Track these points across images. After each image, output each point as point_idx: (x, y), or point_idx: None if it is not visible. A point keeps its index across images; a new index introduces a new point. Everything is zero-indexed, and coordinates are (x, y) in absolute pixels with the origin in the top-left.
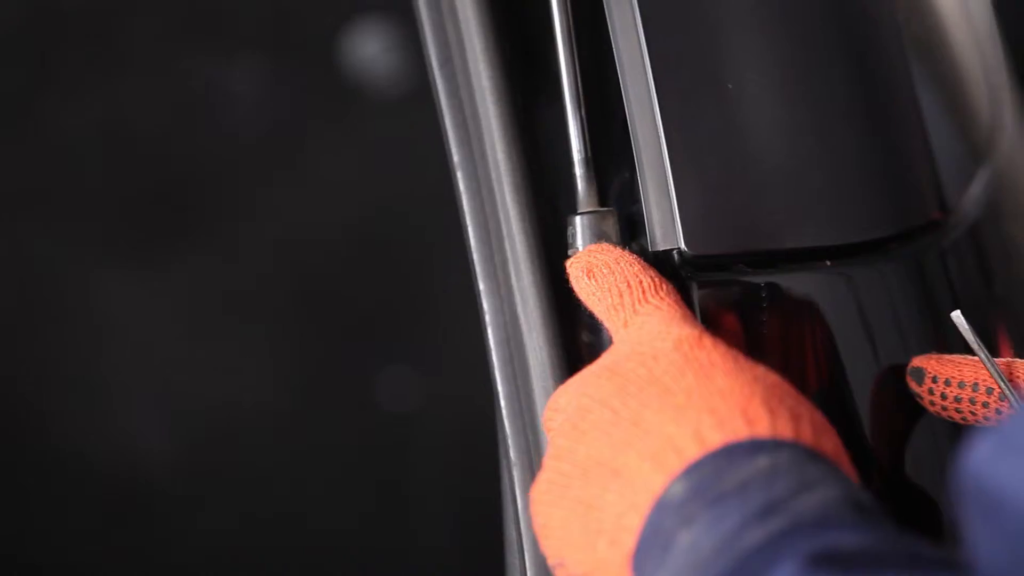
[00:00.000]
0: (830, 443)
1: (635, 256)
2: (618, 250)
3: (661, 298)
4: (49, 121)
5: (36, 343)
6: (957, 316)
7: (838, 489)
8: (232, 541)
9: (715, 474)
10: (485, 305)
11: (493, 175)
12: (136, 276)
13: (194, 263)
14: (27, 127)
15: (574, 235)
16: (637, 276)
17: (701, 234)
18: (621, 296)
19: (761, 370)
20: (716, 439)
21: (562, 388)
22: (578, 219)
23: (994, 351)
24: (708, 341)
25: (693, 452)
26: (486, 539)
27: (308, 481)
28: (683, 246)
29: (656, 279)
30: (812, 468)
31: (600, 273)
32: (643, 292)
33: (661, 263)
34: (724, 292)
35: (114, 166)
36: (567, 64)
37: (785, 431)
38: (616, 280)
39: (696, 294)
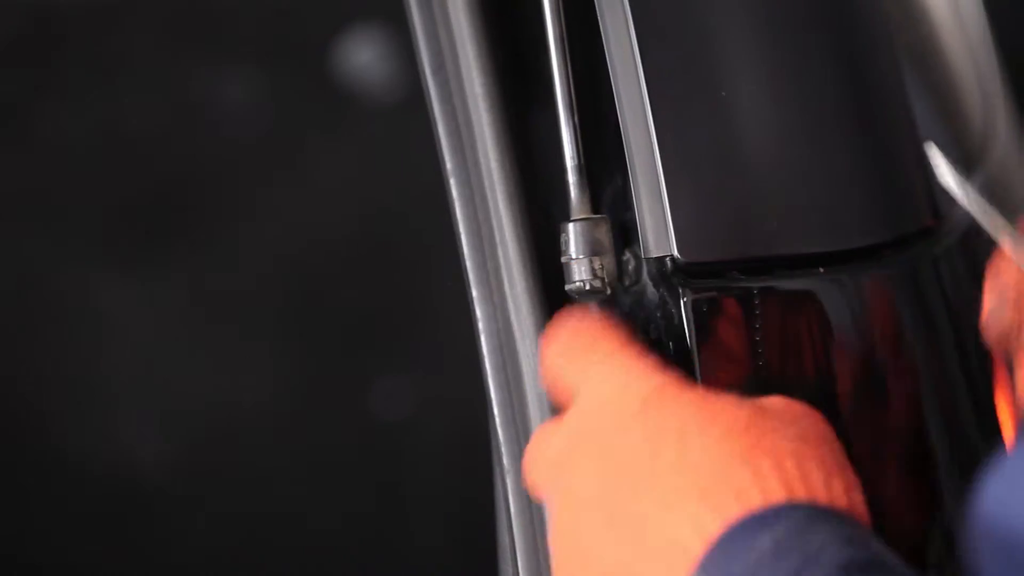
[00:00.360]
0: (820, 475)
1: (590, 311)
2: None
3: (613, 343)
4: (48, 123)
5: (35, 344)
6: (932, 152)
7: (842, 554)
8: (231, 541)
9: (725, 565)
10: (478, 312)
11: (486, 182)
12: (135, 277)
13: (193, 264)
14: (26, 129)
15: (567, 242)
16: (584, 324)
17: (694, 241)
18: (572, 348)
19: (731, 409)
20: (714, 526)
21: (543, 440)
22: (571, 226)
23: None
24: (671, 393)
25: (697, 549)
26: (485, 541)
27: (307, 482)
28: (676, 253)
29: (607, 323)
30: (813, 534)
31: (552, 338)
32: (594, 339)
33: (654, 269)
34: (717, 299)
35: (113, 168)
36: (560, 71)
37: (776, 493)
38: (566, 335)
39: (689, 301)
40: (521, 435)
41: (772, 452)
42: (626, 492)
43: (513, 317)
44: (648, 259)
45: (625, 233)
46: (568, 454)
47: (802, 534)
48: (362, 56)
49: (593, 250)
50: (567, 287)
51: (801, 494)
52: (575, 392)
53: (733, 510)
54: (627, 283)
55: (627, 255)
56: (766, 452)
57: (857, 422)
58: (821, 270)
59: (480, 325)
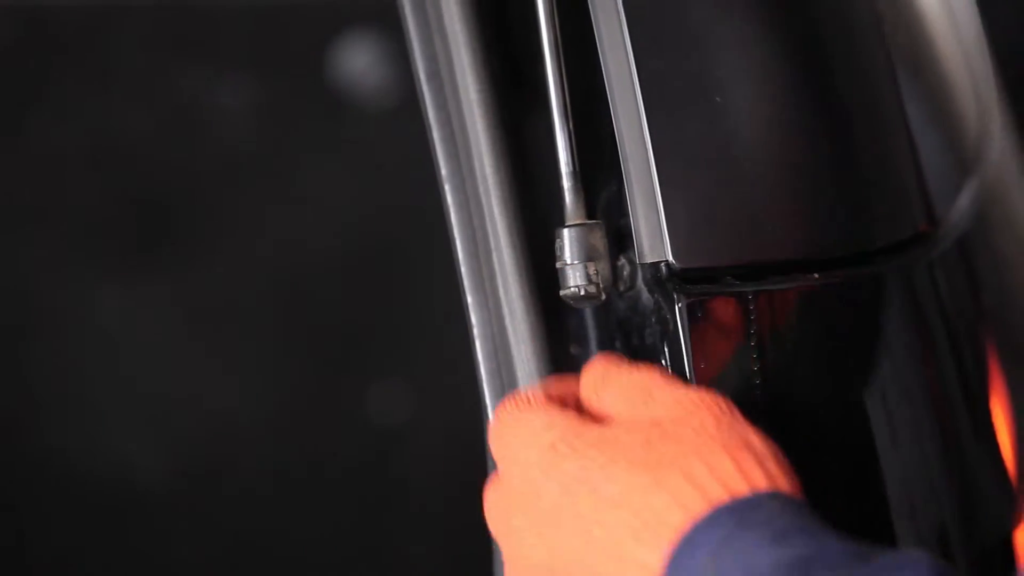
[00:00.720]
0: (731, 464)
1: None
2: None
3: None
4: (42, 131)
5: (30, 351)
6: None
7: (770, 556)
8: (229, 547)
9: None
10: (473, 318)
11: (481, 188)
12: (127, 289)
13: (188, 271)
14: (20, 136)
15: (561, 248)
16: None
17: (689, 246)
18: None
19: (625, 436)
20: (656, 564)
21: (488, 495)
22: (565, 232)
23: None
24: (569, 439)
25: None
26: (478, 546)
27: (301, 487)
28: (671, 259)
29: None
30: (741, 542)
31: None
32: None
33: (648, 276)
34: (711, 304)
35: (108, 175)
36: (554, 77)
37: (697, 505)
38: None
39: (684, 306)
40: None
41: (677, 463)
42: (564, 547)
43: (508, 322)
44: (643, 265)
45: (620, 239)
46: (505, 508)
47: (731, 545)
48: (357, 62)
49: (588, 256)
50: (561, 293)
51: (721, 496)
52: (498, 453)
53: (666, 539)
54: (622, 288)
55: (622, 260)
56: (673, 466)
57: (852, 426)
58: (816, 275)
59: (475, 331)
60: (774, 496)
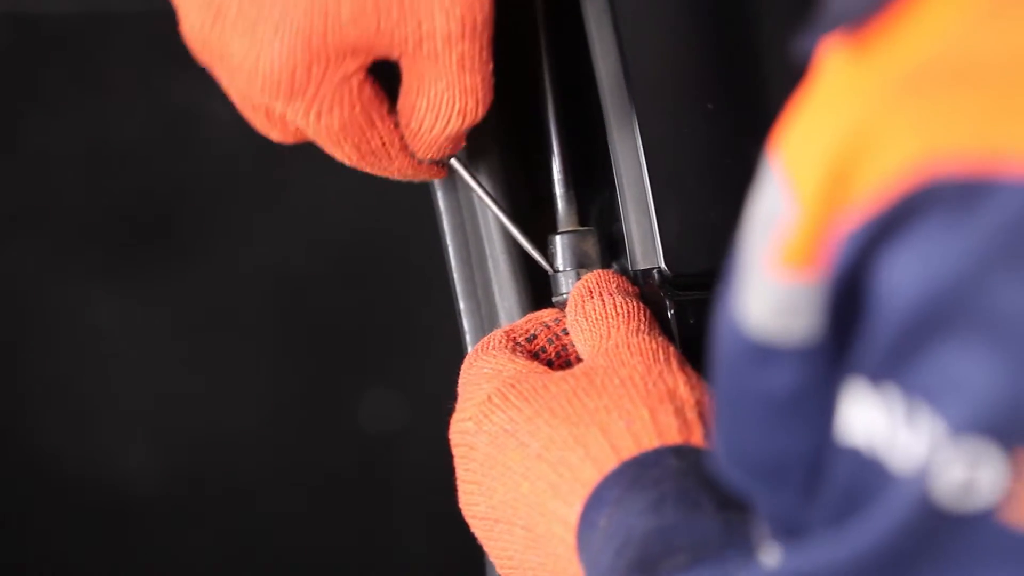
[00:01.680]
0: (642, 412)
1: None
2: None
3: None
4: (34, 141)
5: (21, 361)
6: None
7: (643, 525)
8: (223, 557)
9: (588, 554)
10: (465, 325)
11: (474, 194)
12: (119, 296)
13: (179, 281)
14: (12, 145)
15: (554, 255)
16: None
17: (681, 253)
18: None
19: (554, 387)
20: (572, 517)
21: (452, 422)
22: (558, 239)
23: None
24: (505, 392)
25: (571, 539)
26: (473, 552)
27: (296, 494)
28: (663, 265)
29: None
30: (629, 504)
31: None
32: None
33: (640, 282)
34: (703, 310)
35: (102, 182)
36: (548, 84)
37: (608, 462)
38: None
39: (676, 312)
40: None
41: (597, 417)
42: (499, 500)
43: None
44: (635, 271)
45: (612, 245)
46: (456, 460)
47: (621, 506)
48: None
49: (580, 262)
50: (554, 299)
51: (631, 450)
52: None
53: (580, 495)
54: None
55: (614, 267)
56: (592, 420)
57: None
58: None
59: (467, 338)
60: (678, 450)
